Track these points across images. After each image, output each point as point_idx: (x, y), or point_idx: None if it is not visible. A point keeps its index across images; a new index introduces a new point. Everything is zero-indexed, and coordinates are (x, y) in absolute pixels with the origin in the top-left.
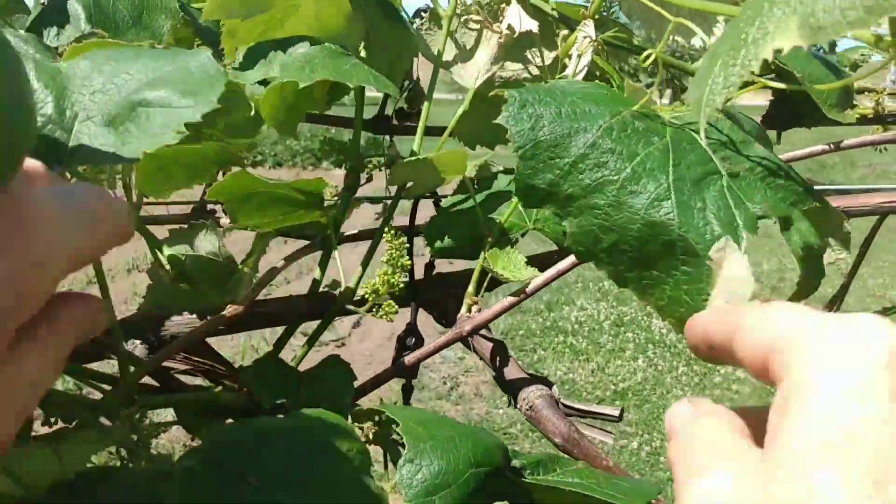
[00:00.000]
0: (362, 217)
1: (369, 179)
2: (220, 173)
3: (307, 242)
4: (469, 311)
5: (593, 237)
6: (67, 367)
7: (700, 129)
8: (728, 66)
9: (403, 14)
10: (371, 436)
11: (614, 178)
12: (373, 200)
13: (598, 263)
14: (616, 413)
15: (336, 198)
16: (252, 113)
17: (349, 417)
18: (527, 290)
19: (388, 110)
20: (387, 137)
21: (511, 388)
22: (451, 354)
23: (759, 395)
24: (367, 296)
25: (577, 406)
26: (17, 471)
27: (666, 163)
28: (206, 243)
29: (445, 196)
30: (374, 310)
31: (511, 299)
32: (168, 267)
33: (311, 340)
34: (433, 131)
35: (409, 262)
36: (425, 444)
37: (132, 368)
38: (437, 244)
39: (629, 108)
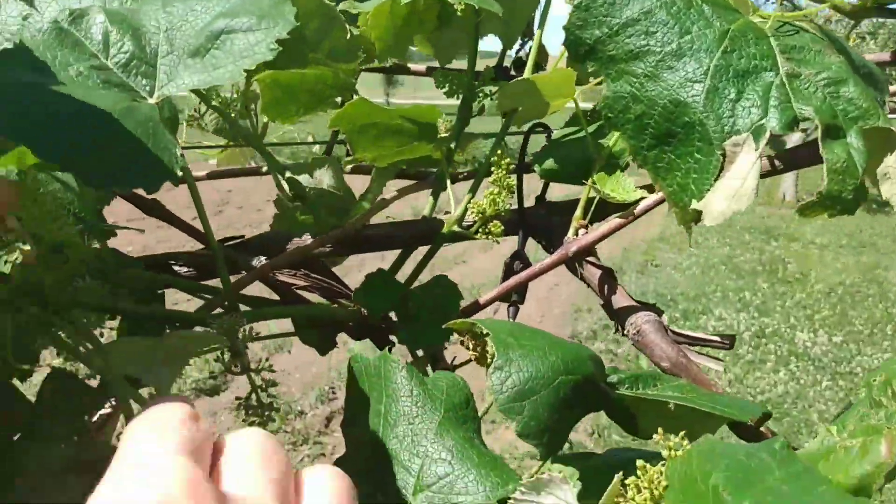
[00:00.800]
0: None
1: (481, 111)
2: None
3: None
4: (576, 234)
5: (623, 104)
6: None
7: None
8: None
9: None
10: (471, 346)
11: (657, 50)
12: (486, 136)
13: (622, 134)
14: (728, 341)
15: (449, 132)
16: (349, 36)
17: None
18: (635, 211)
19: (507, 62)
20: None
21: (619, 316)
22: None
23: None
24: (474, 216)
25: (686, 333)
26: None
27: (716, 47)
28: (327, 177)
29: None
30: (481, 230)
31: (618, 220)
32: (287, 190)
33: (423, 262)
34: None
35: (514, 182)
36: (514, 351)
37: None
38: (544, 166)
39: None
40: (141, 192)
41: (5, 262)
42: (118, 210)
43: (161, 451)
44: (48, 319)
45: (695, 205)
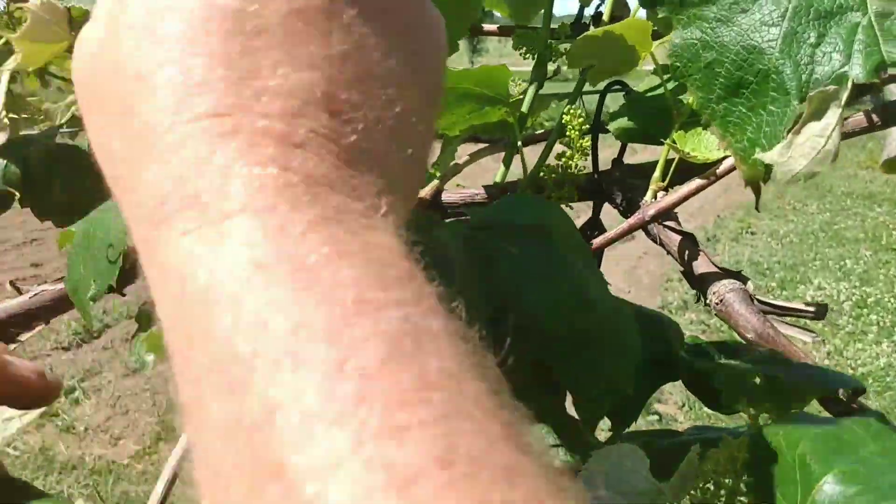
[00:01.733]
0: None
1: (556, 72)
2: None
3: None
4: (654, 197)
5: (693, 52)
6: None
7: None
8: None
9: None
10: None
11: None
12: (560, 97)
13: (690, 86)
14: (819, 311)
15: (522, 95)
16: None
17: None
18: (718, 171)
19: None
20: None
21: (701, 283)
22: None
23: None
24: (546, 180)
25: (773, 302)
26: None
27: None
28: None
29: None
30: (553, 194)
31: (699, 181)
32: None
33: None
34: None
35: (588, 144)
36: None
37: None
38: (618, 125)
39: None
40: None
41: None
42: None
43: None
44: None
45: (764, 157)
